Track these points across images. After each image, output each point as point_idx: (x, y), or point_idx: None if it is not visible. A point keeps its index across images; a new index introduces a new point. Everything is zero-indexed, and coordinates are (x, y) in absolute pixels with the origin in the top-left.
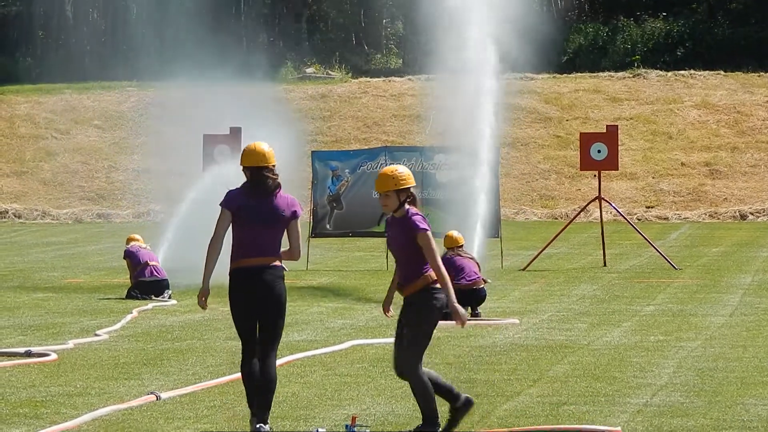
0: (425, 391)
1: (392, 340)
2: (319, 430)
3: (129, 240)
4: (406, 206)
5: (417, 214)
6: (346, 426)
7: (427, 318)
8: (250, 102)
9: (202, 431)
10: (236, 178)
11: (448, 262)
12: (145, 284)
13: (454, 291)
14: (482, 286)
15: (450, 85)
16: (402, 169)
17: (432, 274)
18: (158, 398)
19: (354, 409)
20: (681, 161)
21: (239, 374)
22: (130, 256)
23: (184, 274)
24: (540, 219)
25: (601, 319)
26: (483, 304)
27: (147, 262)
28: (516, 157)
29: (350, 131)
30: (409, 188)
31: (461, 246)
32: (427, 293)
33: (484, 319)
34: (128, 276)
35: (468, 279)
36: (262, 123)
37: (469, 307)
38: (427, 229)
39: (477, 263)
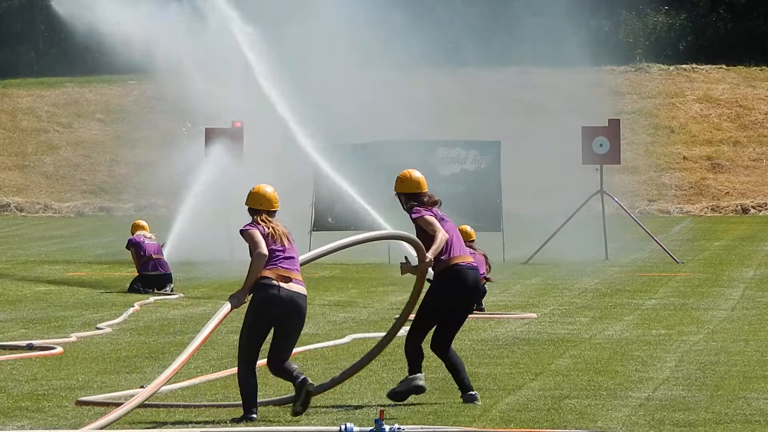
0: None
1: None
2: (347, 424)
3: (134, 227)
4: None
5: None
6: (376, 421)
7: None
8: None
9: (203, 425)
10: (236, 173)
11: None
12: (148, 278)
13: None
14: (484, 282)
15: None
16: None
17: None
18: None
19: (355, 403)
20: (683, 155)
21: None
22: (135, 246)
23: (186, 267)
24: (541, 212)
25: (602, 312)
26: (485, 299)
27: (151, 255)
28: (518, 151)
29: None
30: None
31: (473, 240)
32: None
33: (501, 314)
34: (132, 267)
35: None
36: (264, 118)
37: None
38: None
39: (487, 262)
